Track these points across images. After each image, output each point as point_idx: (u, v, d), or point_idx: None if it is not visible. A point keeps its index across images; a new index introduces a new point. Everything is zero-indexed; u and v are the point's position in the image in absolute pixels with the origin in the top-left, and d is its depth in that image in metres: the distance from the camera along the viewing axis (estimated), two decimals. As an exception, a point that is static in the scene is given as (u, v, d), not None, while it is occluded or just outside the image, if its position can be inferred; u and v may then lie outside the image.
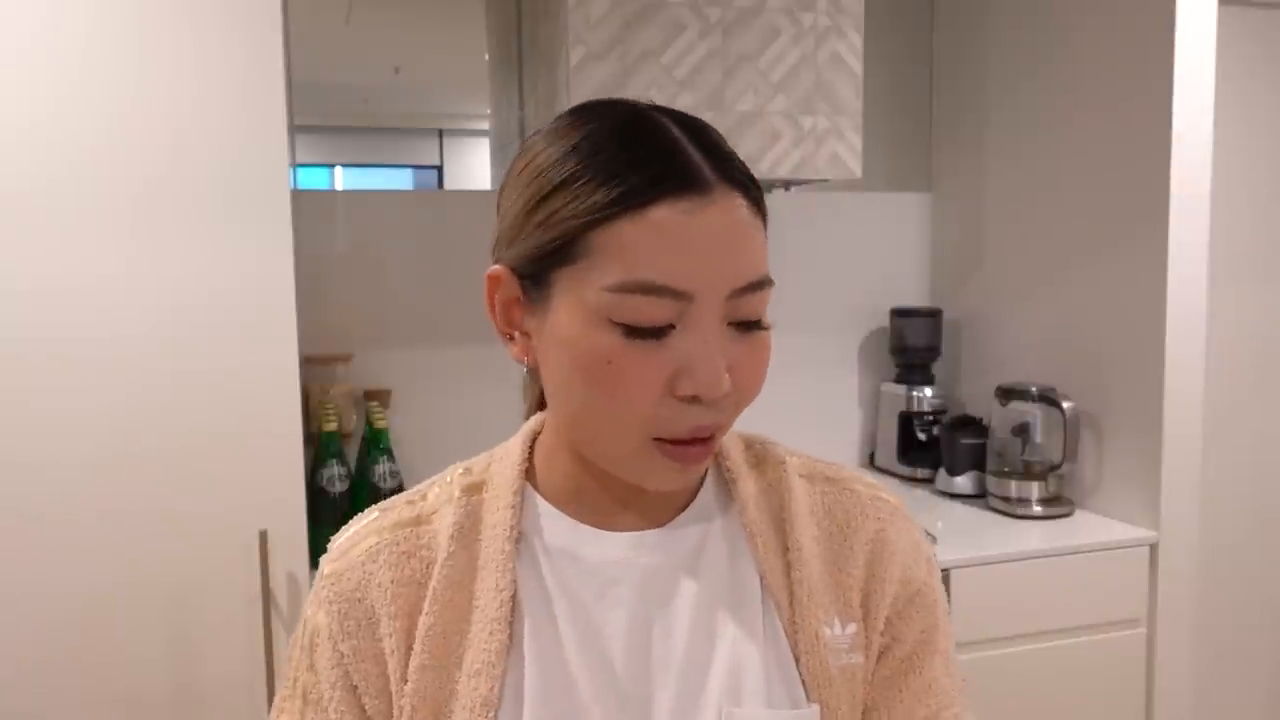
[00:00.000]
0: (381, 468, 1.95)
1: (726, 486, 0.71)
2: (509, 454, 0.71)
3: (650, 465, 0.61)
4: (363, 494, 1.94)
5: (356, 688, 0.66)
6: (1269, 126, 2.17)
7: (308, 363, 1.92)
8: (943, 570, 1.78)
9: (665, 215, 0.57)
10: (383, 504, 0.72)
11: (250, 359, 1.54)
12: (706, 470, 0.71)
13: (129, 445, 1.50)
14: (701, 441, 0.61)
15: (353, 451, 2.02)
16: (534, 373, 0.75)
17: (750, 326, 0.61)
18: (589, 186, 0.58)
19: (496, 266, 0.64)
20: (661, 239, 0.57)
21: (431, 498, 0.71)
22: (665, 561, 0.67)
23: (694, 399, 0.59)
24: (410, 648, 0.65)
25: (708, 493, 0.71)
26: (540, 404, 0.74)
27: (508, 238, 0.63)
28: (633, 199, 0.57)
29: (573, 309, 0.59)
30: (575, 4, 1.78)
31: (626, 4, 1.81)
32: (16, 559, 1.47)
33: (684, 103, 1.85)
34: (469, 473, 0.71)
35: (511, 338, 0.65)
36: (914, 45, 2.48)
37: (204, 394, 1.52)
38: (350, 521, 0.72)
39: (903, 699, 0.68)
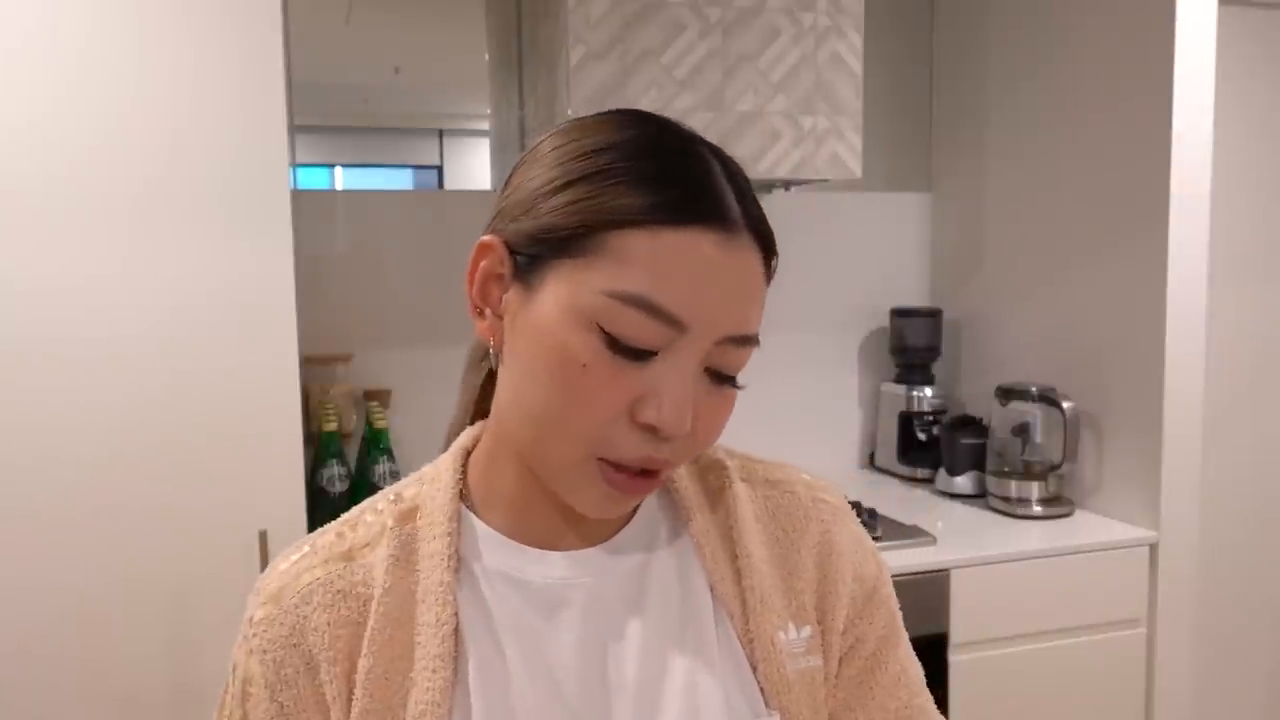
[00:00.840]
0: (381, 468, 1.95)
1: (670, 496, 0.69)
2: (440, 475, 0.67)
3: (586, 483, 0.59)
4: (362, 494, 1.91)
5: None
6: (1269, 126, 2.17)
7: (308, 363, 1.92)
8: (942, 570, 1.78)
9: (689, 242, 0.55)
10: (312, 535, 0.68)
11: (250, 359, 1.54)
12: None
13: (130, 444, 1.50)
14: (648, 475, 0.59)
15: (353, 451, 2.02)
16: (474, 372, 0.73)
17: (724, 380, 0.59)
18: (620, 188, 0.56)
19: (490, 236, 0.61)
20: (676, 262, 0.55)
21: (363, 529, 0.66)
22: (612, 579, 0.65)
23: (650, 428, 0.57)
24: (352, 692, 0.61)
25: (651, 505, 0.69)
26: (474, 414, 0.72)
27: (513, 212, 0.60)
28: (663, 214, 0.55)
29: (561, 302, 0.57)
30: (575, 4, 1.78)
31: (626, 4, 1.81)
32: (18, 557, 1.47)
33: (684, 103, 1.85)
34: (400, 499, 0.67)
35: (481, 313, 0.62)
36: (914, 45, 2.48)
37: (204, 394, 1.52)
38: (278, 557, 0.67)
39: (875, 695, 0.69)
